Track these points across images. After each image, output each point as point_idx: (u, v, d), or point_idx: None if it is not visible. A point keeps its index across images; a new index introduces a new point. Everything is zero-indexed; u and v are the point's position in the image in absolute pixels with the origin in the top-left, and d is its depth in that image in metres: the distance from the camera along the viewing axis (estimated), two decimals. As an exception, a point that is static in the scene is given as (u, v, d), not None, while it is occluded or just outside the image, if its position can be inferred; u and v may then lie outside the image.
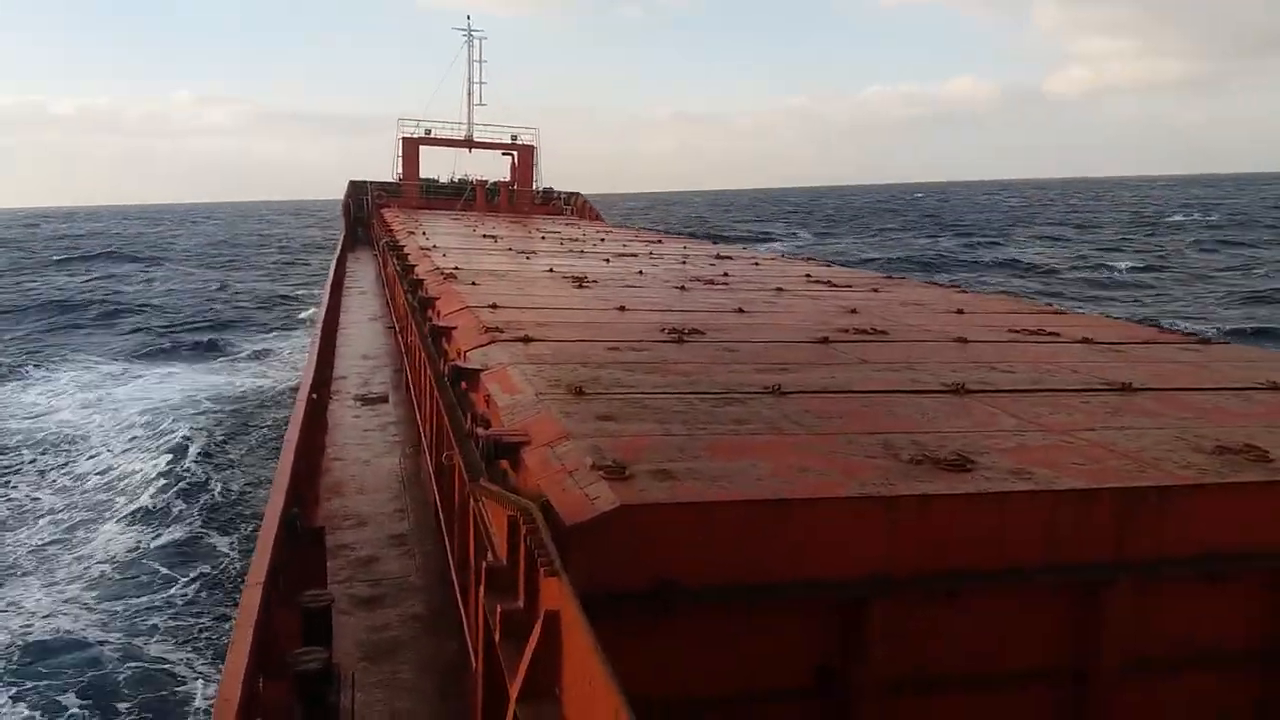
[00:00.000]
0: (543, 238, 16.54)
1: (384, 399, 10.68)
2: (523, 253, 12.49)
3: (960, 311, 7.49)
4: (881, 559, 2.62)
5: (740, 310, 6.98)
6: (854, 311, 7.24)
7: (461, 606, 4.29)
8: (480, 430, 3.56)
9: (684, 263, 12.00)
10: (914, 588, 2.67)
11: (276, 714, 3.52)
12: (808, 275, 10.68)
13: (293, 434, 6.10)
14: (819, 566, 2.60)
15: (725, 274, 10.25)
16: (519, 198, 33.60)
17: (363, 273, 22.75)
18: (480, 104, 35.19)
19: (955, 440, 3.29)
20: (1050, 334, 6.29)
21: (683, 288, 8.66)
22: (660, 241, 17.38)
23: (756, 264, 12.44)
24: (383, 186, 33.14)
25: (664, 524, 2.50)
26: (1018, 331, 6.36)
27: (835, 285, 9.58)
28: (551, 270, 9.87)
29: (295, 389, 10.34)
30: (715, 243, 18.70)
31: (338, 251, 23.02)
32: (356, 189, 33.20)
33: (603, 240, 16.56)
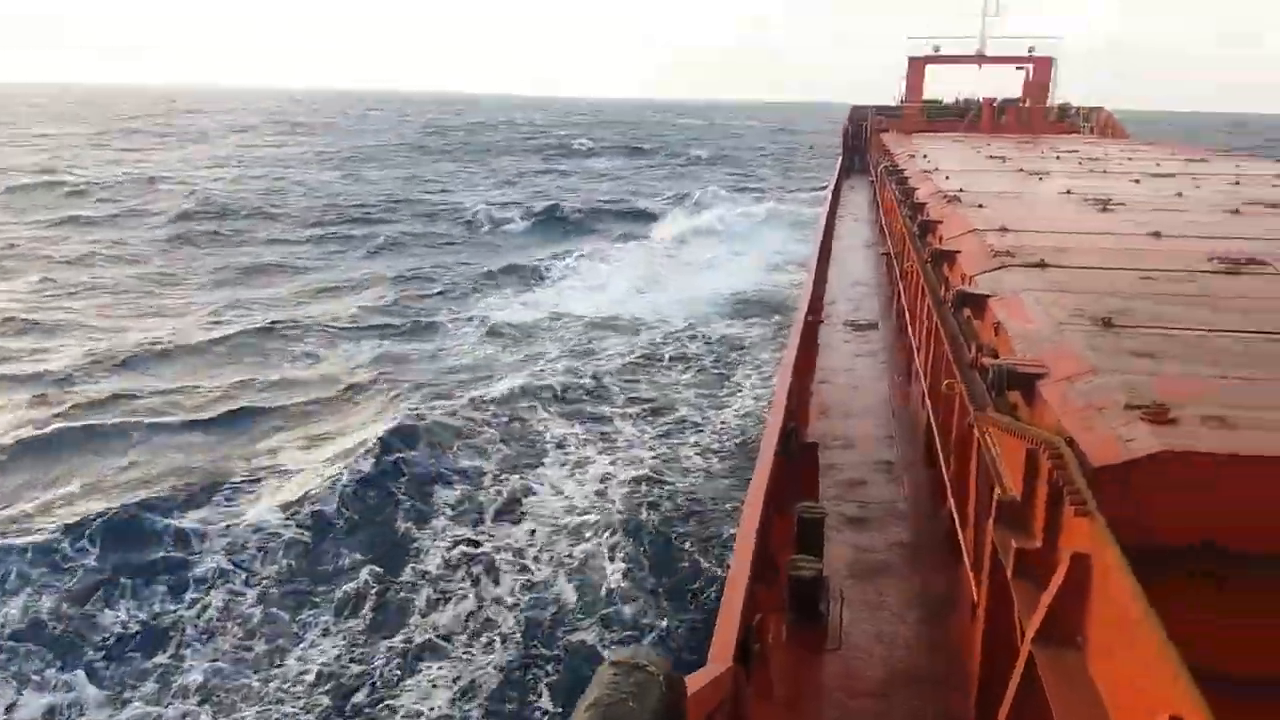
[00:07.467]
0: (1057, 157, 15.05)
1: (874, 326, 10.66)
2: (1035, 174, 11.49)
3: None
4: None
5: None
6: None
7: (962, 538, 4.14)
8: (988, 359, 3.38)
9: (1236, 184, 10.01)
10: None
11: (772, 612, 3.71)
12: None
13: (790, 355, 6.33)
14: None
15: None
16: (1031, 115, 30.99)
17: (857, 201, 22.82)
18: (994, 15, 32.85)
19: None
20: None
21: (1236, 211, 7.30)
22: (1205, 160, 14.86)
23: None
24: (882, 110, 32.70)
25: (1216, 477, 2.18)
26: None
27: None
28: (1069, 192, 8.82)
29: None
30: (1278, 161, 15.55)
31: (834, 178, 23.48)
32: (857, 114, 33.21)
33: (1130, 159, 14.58)
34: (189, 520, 10.79)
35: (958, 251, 5.58)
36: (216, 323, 20.48)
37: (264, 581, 9.72)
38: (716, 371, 17.44)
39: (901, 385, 8.31)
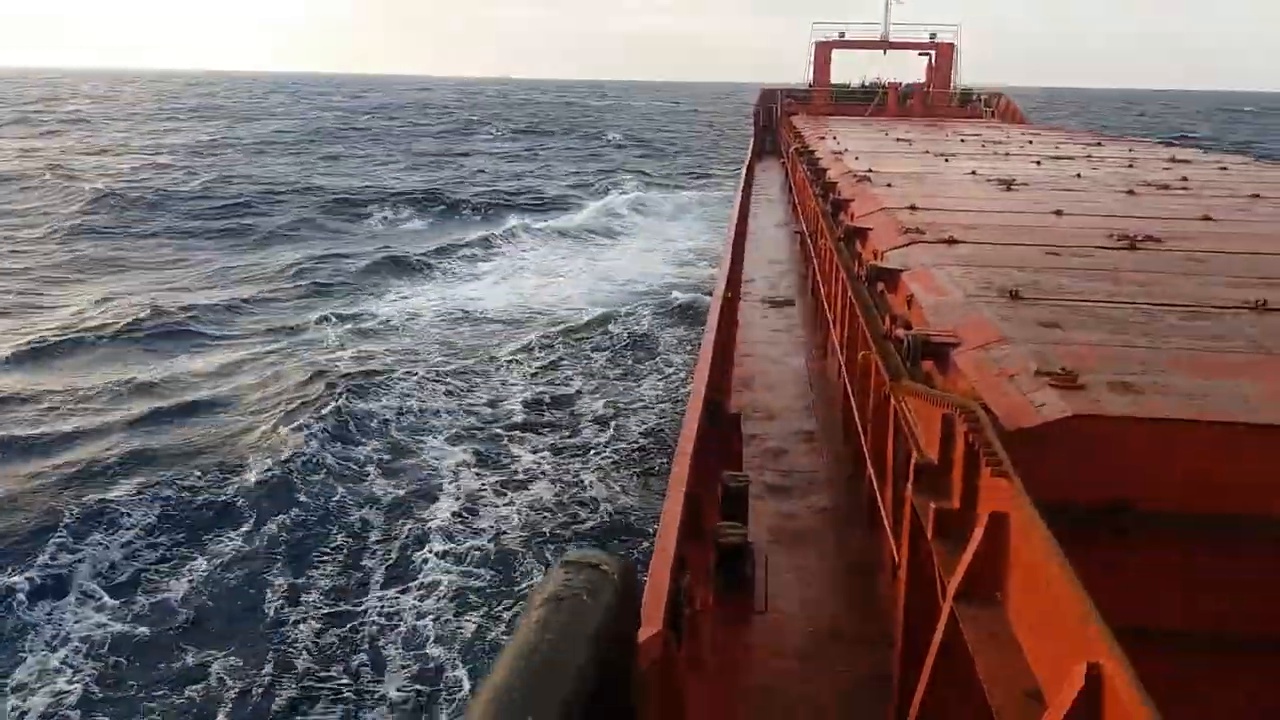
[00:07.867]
0: (961, 140, 15.31)
1: (790, 302, 10.91)
2: (940, 155, 11.69)
3: None
4: None
5: (1207, 218, 6.11)
6: None
7: (881, 503, 4.30)
8: (901, 331, 3.51)
9: (1130, 166, 10.55)
10: None
11: (699, 578, 3.73)
12: None
13: (711, 325, 6.43)
14: None
15: (1184, 178, 8.90)
16: (934, 100, 31.41)
17: (769, 181, 22.89)
18: (899, 2, 33.01)
19: None
20: None
21: (1131, 192, 7.64)
22: (1099, 144, 15.22)
23: (1224, 168, 10.58)
24: (791, 93, 32.83)
25: (1125, 439, 2.31)
26: None
27: None
28: (974, 173, 9.15)
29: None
30: (1168, 146, 15.75)
31: (747, 159, 23.35)
32: (767, 97, 33.37)
33: (1030, 143, 15.00)
34: (10, 585, 9.08)
35: (869, 229, 5.73)
36: (75, 325, 18.45)
37: (91, 678, 7.97)
38: (622, 376, 16.15)
39: (819, 358, 8.54)
